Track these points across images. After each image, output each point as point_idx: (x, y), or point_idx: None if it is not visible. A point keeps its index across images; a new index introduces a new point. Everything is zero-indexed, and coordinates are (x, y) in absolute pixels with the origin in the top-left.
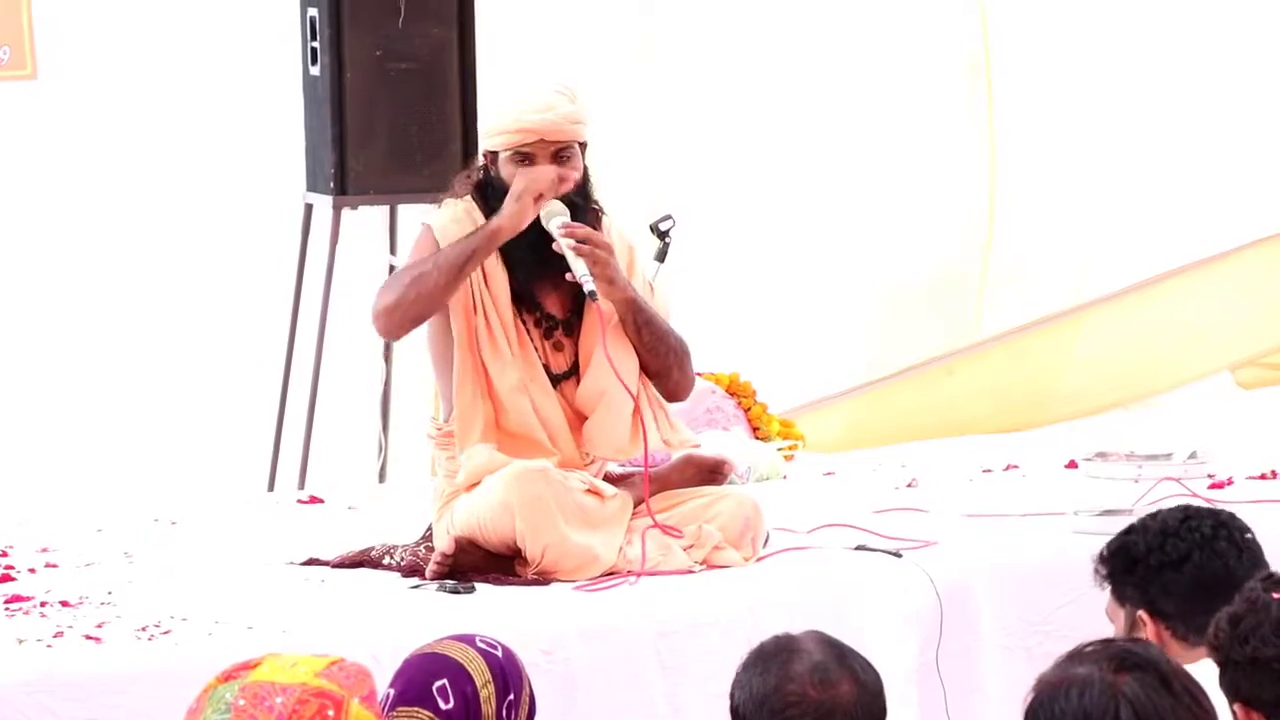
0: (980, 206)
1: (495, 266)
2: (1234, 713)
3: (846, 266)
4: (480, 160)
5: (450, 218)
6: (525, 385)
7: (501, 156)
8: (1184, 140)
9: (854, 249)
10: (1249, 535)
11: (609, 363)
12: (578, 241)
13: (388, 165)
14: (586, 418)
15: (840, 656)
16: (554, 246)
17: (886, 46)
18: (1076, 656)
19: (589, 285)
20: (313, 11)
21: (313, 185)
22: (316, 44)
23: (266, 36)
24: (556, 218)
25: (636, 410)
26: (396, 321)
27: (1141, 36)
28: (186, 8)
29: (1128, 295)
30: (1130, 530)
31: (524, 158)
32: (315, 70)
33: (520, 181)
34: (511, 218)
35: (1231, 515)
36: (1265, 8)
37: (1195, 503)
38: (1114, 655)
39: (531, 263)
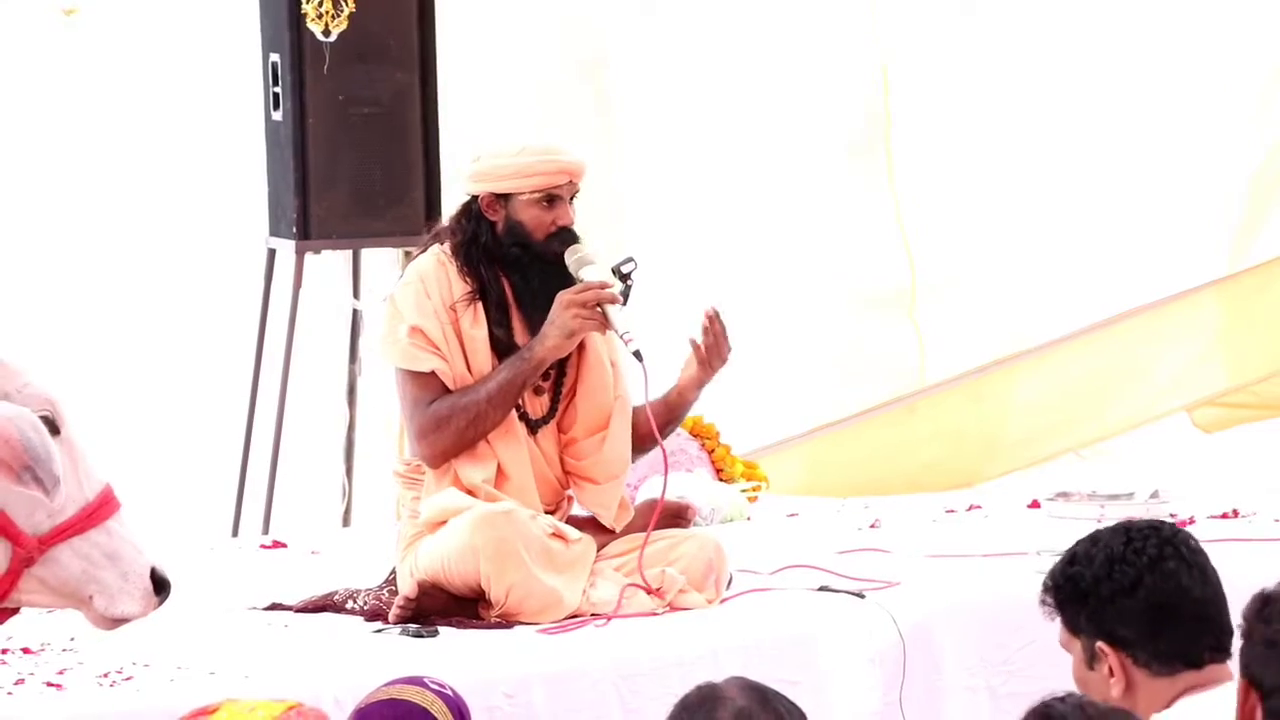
0: (899, 258)
1: (472, 317)
2: (1238, 690)
3: (804, 309)
4: (472, 206)
5: (414, 296)
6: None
7: (523, 199)
8: (1105, 194)
9: (807, 293)
10: (1193, 543)
11: (654, 429)
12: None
13: (350, 209)
14: (567, 466)
15: (764, 700)
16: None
17: (795, 104)
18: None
19: (634, 346)
20: (275, 57)
21: (275, 230)
22: (279, 89)
23: (228, 82)
24: (589, 268)
25: None
26: (452, 457)
27: (1062, 89)
28: (147, 53)
29: (1076, 339)
30: (1073, 559)
31: (551, 200)
32: (277, 115)
33: (567, 316)
34: (556, 351)
35: (1173, 529)
36: (1186, 64)
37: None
38: (1039, 712)
39: (533, 307)
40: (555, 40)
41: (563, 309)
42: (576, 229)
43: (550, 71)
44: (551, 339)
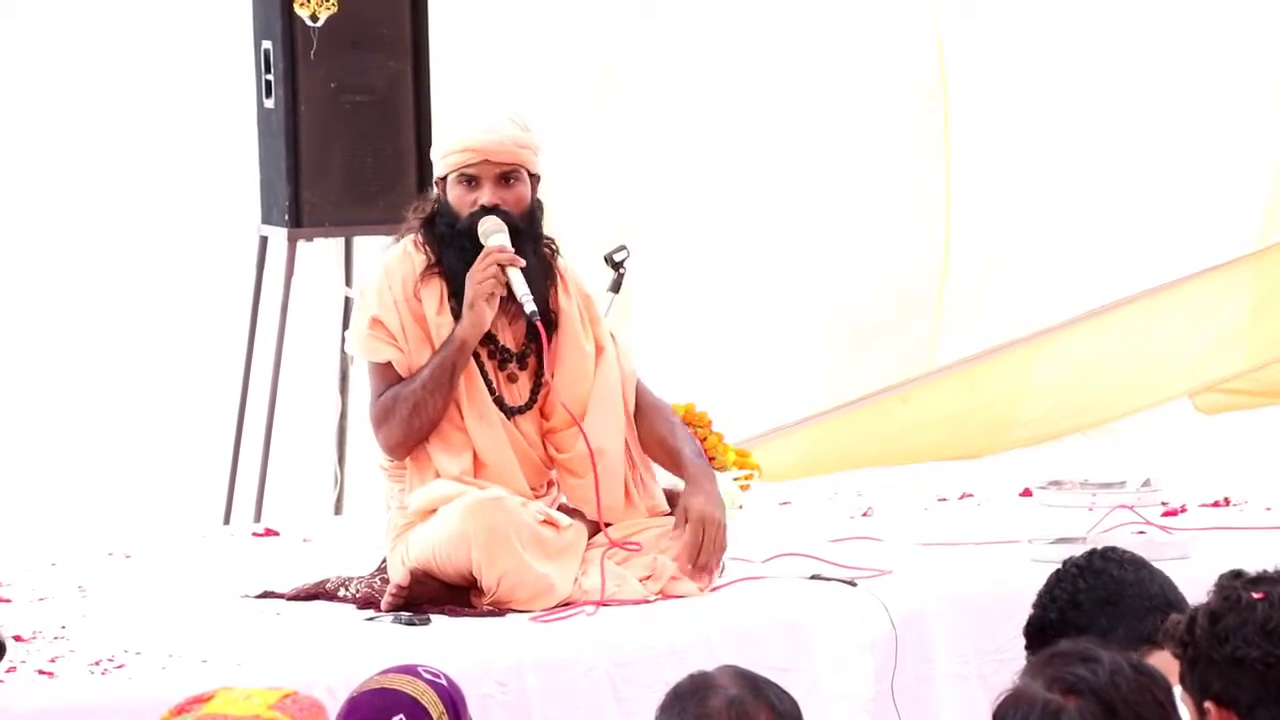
0: (936, 235)
1: (436, 304)
2: (1202, 709)
3: (801, 296)
4: (434, 190)
5: (376, 288)
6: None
7: (450, 179)
8: (1140, 167)
9: (809, 279)
10: (1124, 552)
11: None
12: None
13: (343, 197)
14: (548, 451)
15: (756, 688)
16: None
17: (842, 78)
18: (1036, 665)
19: (529, 305)
20: (267, 44)
21: (267, 218)
22: (271, 77)
23: (220, 69)
24: (495, 235)
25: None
26: (409, 447)
27: (1095, 66)
28: (140, 40)
29: (1083, 322)
30: (1028, 618)
31: (470, 180)
32: (270, 103)
33: (469, 289)
34: (473, 327)
35: (1103, 546)
36: (1217, 39)
37: (1149, 530)
38: (1061, 675)
39: (459, 284)
40: (551, 25)
41: (468, 283)
42: (535, 210)
43: (546, 57)
44: (465, 316)
